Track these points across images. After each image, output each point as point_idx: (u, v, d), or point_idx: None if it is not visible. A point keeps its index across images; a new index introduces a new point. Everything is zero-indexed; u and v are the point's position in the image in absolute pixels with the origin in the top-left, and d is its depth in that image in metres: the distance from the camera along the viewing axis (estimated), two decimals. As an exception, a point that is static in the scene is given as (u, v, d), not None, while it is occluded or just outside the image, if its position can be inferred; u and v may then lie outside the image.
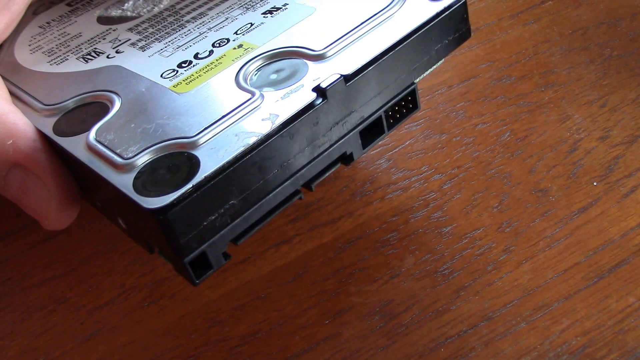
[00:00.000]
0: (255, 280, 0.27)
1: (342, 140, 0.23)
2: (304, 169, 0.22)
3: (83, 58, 0.26)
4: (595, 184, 0.29)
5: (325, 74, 0.22)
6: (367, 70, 0.22)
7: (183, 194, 0.19)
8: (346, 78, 0.21)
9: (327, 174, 0.23)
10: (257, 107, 0.21)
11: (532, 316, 0.26)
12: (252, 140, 0.20)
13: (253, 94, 0.21)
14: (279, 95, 0.21)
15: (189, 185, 0.19)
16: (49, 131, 0.23)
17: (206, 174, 0.19)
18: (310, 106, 0.21)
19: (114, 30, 0.28)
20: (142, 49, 0.26)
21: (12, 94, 0.25)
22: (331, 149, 0.22)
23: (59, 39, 0.28)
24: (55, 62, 0.26)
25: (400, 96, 0.24)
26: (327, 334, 0.26)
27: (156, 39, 0.26)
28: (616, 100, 0.33)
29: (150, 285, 0.27)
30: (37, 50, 0.28)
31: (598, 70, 0.34)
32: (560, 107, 0.32)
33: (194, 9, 0.28)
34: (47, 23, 0.30)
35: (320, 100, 0.21)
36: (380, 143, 0.30)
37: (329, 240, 0.28)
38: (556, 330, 0.25)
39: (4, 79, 0.25)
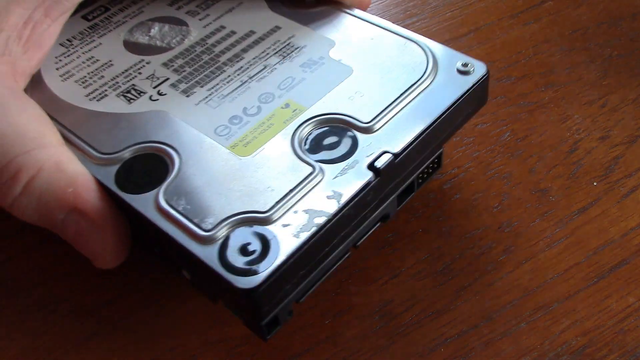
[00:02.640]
0: (255, 280, 0.27)
1: (385, 204, 0.25)
2: (354, 233, 0.24)
3: (124, 96, 0.27)
4: (595, 184, 0.29)
5: (374, 148, 0.24)
6: (412, 146, 0.24)
7: (269, 274, 0.21)
8: (395, 155, 0.23)
9: (369, 233, 0.26)
10: (319, 182, 0.23)
11: (532, 316, 0.26)
12: (323, 220, 0.22)
13: (313, 167, 0.23)
14: (336, 170, 0.23)
15: (274, 267, 0.21)
16: (111, 184, 0.24)
17: (287, 255, 0.21)
18: (367, 184, 0.23)
19: (147, 63, 0.28)
20: (185, 93, 0.27)
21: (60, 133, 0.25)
22: (375, 213, 0.25)
23: (89, 66, 0.28)
24: (95, 98, 0.27)
25: (430, 160, 0.27)
26: (327, 334, 0.26)
27: (197, 82, 0.27)
28: (616, 100, 0.33)
29: (150, 285, 0.27)
30: (68, 78, 0.28)
31: (598, 70, 0.34)
32: (560, 107, 0.32)
33: (228, 49, 0.28)
34: (69, 41, 0.29)
35: (374, 178, 0.23)
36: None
37: (329, 240, 0.28)
38: (556, 330, 0.25)
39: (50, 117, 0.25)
